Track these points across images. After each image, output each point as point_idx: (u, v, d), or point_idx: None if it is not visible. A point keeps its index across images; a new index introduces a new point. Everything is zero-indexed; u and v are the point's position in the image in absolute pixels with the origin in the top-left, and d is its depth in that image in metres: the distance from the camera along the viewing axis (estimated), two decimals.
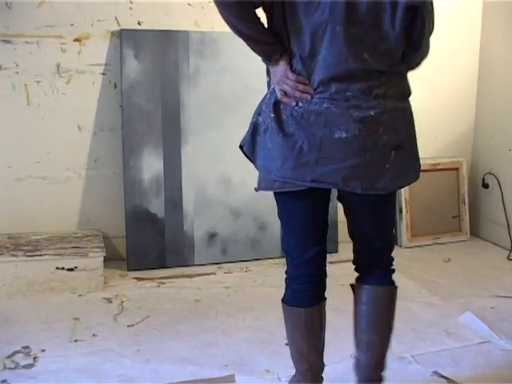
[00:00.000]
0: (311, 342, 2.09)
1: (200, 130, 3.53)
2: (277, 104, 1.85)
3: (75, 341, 2.69)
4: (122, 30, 3.42)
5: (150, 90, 3.44)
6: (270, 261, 3.66)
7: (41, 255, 3.14)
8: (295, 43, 1.80)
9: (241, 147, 2.09)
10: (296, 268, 2.08)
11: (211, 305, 3.07)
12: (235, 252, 3.63)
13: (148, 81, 3.44)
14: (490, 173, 4.12)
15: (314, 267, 2.04)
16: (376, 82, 1.81)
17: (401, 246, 4.03)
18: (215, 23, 3.55)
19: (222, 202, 3.59)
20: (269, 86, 1.99)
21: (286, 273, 2.14)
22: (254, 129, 1.97)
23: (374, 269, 2.08)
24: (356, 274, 2.14)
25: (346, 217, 2.07)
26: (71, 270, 3.17)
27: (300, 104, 1.80)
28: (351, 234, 2.09)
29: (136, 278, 3.39)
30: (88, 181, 3.55)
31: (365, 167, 1.83)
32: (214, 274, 3.48)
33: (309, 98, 1.79)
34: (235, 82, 3.56)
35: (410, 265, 3.65)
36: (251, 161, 2.07)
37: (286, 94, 1.82)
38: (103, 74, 3.49)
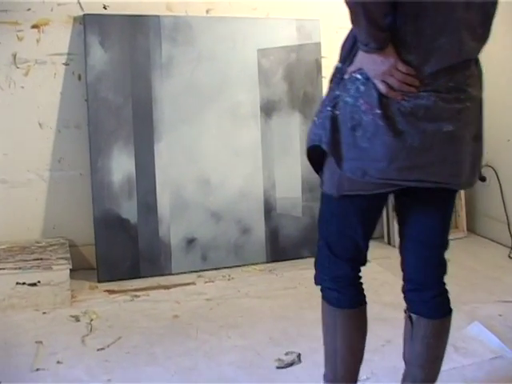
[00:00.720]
0: (351, 347, 1.90)
1: (175, 126, 3.18)
2: (381, 98, 1.55)
3: (37, 370, 2.33)
4: (85, 15, 3.06)
5: (119, 82, 3.09)
6: (254, 267, 3.33)
7: None
8: (409, 29, 1.54)
9: (311, 148, 1.73)
10: (340, 269, 1.83)
11: (191, 321, 2.73)
12: (216, 259, 3.29)
13: (116, 72, 3.08)
14: (487, 165, 3.82)
15: (359, 268, 1.86)
16: (468, 72, 1.65)
17: (393, 246, 3.72)
18: (189, 7, 3.21)
19: (200, 205, 3.25)
20: (339, 72, 1.66)
21: (321, 274, 1.89)
22: (334, 125, 1.63)
23: (433, 293, 1.83)
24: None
25: (404, 222, 1.83)
26: (33, 284, 2.81)
27: (406, 98, 1.56)
28: (407, 243, 1.83)
29: (107, 291, 3.04)
30: (52, 183, 3.19)
31: (464, 162, 1.69)
32: (193, 283, 3.15)
33: (414, 91, 1.56)
34: (212, 71, 3.22)
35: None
36: (317, 166, 1.80)
37: (390, 86, 1.55)
38: (66, 64, 3.13)
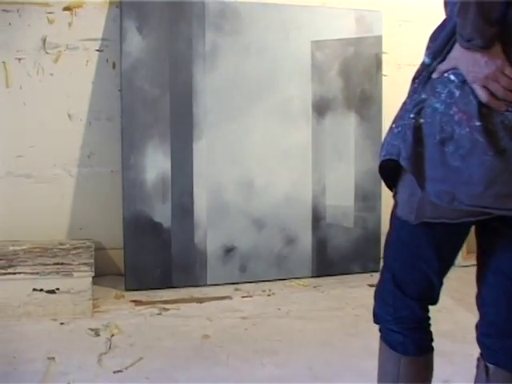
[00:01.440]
0: None
1: (217, 122, 2.84)
2: (481, 108, 1.19)
3: None
4: None
5: (157, 72, 2.76)
6: (297, 281, 2.97)
7: (15, 273, 2.49)
8: None
9: (386, 162, 1.38)
10: (406, 308, 1.49)
11: (223, 343, 2.37)
12: (256, 270, 2.94)
13: (154, 60, 2.75)
14: None
15: (428, 307, 1.53)
16: None
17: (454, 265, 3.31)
18: None
19: (241, 210, 2.90)
20: (426, 70, 1.31)
21: (383, 313, 1.55)
22: (417, 136, 1.27)
23: None
24: None
25: (485, 250, 1.44)
26: (52, 292, 2.50)
27: (510, 109, 1.24)
28: (488, 275, 1.44)
29: (134, 301, 2.72)
30: (80, 180, 2.89)
31: None
32: (229, 298, 2.80)
33: None
34: (261, 64, 2.87)
35: (465, 290, 2.93)
36: (390, 181, 1.45)
37: (492, 94, 1.22)
38: (99, 50, 2.83)
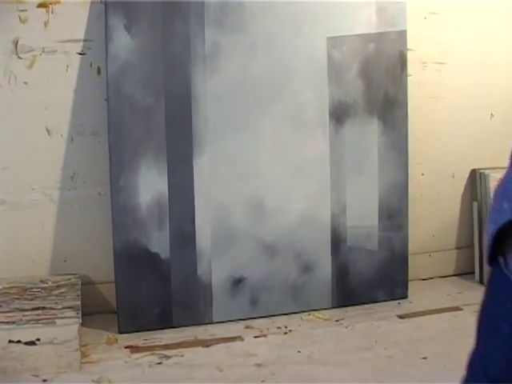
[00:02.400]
0: None
1: (220, 134, 2.38)
2: None
3: None
4: None
5: (149, 77, 2.29)
6: (316, 314, 2.51)
7: None
8: None
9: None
10: None
11: None
12: (269, 303, 2.48)
13: (145, 64, 2.29)
14: None
15: None
16: None
17: None
18: None
19: (250, 235, 2.43)
20: None
21: None
22: None
23: None
24: None
25: None
26: (31, 343, 2.03)
27: None
28: None
29: (129, 347, 2.24)
30: (63, 205, 2.42)
31: None
32: (240, 338, 2.33)
33: None
34: (270, 65, 2.40)
35: None
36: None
37: None
38: (81, 54, 2.35)
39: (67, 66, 2.32)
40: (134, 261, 2.32)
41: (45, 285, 2.29)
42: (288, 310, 2.50)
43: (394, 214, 2.58)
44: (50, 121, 2.34)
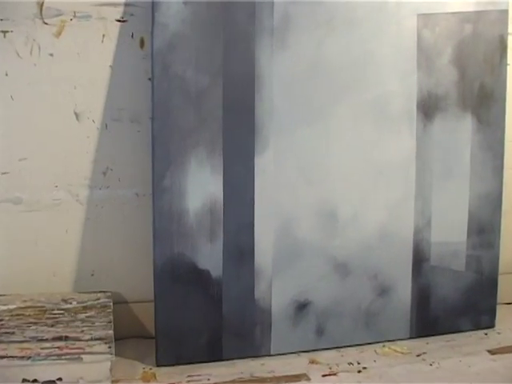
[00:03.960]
0: None
1: (288, 127, 1.81)
2: None
3: None
4: None
5: (205, 53, 1.73)
6: (393, 347, 1.96)
7: None
8: None
9: None
10: None
11: None
12: (338, 333, 1.92)
13: (201, 36, 1.73)
14: None
15: None
16: None
17: None
18: None
19: (319, 251, 1.87)
20: None
21: None
22: None
23: None
24: None
25: None
26: (51, 383, 1.52)
27: None
28: None
29: None
30: (92, 207, 1.85)
31: None
32: (305, 377, 1.76)
33: None
34: (349, 44, 1.84)
35: None
36: None
37: None
38: (121, 21, 1.77)
39: (103, 36, 1.76)
40: (178, 278, 1.76)
41: (68, 305, 1.74)
42: (359, 341, 1.94)
43: (485, 228, 2.03)
44: (80, 103, 1.77)
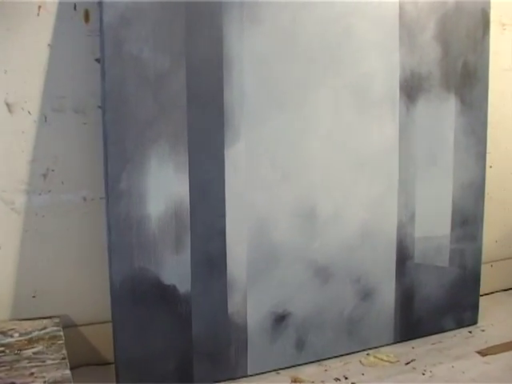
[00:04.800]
0: None
1: (261, 113, 1.53)
2: None
3: None
4: None
5: (164, 30, 1.42)
6: (378, 355, 1.73)
7: None
8: None
9: None
10: None
11: None
12: (319, 344, 1.67)
13: (160, 10, 1.41)
14: None
15: None
16: None
17: None
18: None
19: (299, 255, 1.61)
20: None
21: None
22: None
23: None
24: None
25: None
26: None
27: None
28: None
29: None
30: (31, 217, 1.50)
31: None
32: None
33: None
34: (327, 20, 1.56)
35: None
36: None
37: None
38: None
39: (39, 8, 1.40)
40: (139, 296, 1.46)
41: (9, 339, 1.39)
42: (342, 351, 1.70)
43: (469, 220, 1.83)
44: (13, 91, 1.42)
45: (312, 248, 1.61)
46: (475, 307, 1.89)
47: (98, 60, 1.43)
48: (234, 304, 1.55)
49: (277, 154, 1.55)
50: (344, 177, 1.63)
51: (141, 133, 1.42)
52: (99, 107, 1.43)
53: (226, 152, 1.49)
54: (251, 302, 1.57)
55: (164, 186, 1.45)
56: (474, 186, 1.82)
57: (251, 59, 1.49)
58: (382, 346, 1.76)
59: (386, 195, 1.69)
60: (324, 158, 1.60)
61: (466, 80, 1.77)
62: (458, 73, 1.75)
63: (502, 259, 2.12)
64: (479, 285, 1.89)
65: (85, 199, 1.53)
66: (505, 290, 2.16)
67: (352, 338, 1.71)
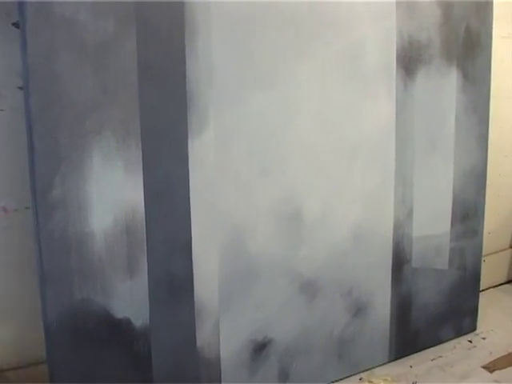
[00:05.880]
0: None
1: (234, 93, 1.16)
2: None
3: None
4: None
5: None
6: (375, 380, 1.41)
7: None
8: None
9: None
10: None
11: None
12: (306, 372, 1.36)
13: None
14: None
15: None
16: None
17: None
18: None
19: (282, 267, 1.27)
20: None
21: None
22: None
23: None
24: None
25: None
26: None
27: None
28: None
29: None
30: None
31: None
32: None
33: None
34: None
35: None
36: None
37: None
38: None
39: None
40: (83, 336, 1.11)
41: None
42: (332, 378, 1.40)
43: (469, 213, 1.54)
44: None
45: (297, 258, 1.28)
46: (474, 312, 1.62)
47: (15, 24, 1.04)
48: (203, 335, 1.21)
49: (254, 144, 1.20)
50: (334, 169, 1.30)
51: (78, 122, 1.04)
52: (20, 88, 1.05)
53: (190, 143, 1.14)
54: (224, 330, 1.23)
55: (111, 192, 1.08)
56: (475, 174, 1.52)
57: (221, 24, 1.13)
58: (376, 366, 1.46)
59: (381, 189, 1.37)
60: (310, 147, 1.27)
61: (469, 49, 1.45)
62: (460, 40, 1.44)
63: (494, 252, 1.85)
64: (479, 287, 1.61)
65: (5, 210, 1.15)
66: (496, 286, 1.91)
67: (342, 362, 1.40)
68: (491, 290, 1.88)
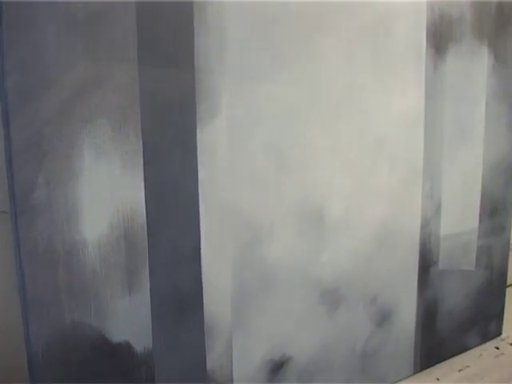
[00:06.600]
0: None
1: (250, 76, 0.96)
2: None
3: None
4: None
5: None
6: None
7: None
8: None
9: None
10: None
11: None
12: None
13: None
14: None
15: None
16: None
17: None
18: None
19: (302, 275, 1.09)
20: None
21: None
22: None
23: None
24: None
25: None
26: None
27: None
28: None
29: None
30: None
31: None
32: None
33: None
34: None
35: None
36: None
37: None
38: None
39: None
40: (75, 366, 0.92)
41: None
42: None
43: (498, 207, 1.38)
44: None
45: (318, 264, 1.10)
46: (500, 315, 1.46)
47: None
48: (214, 356, 1.02)
49: (271, 134, 1.01)
50: (359, 163, 1.12)
51: (65, 107, 0.84)
52: None
53: (198, 134, 0.94)
54: (238, 350, 1.04)
55: (106, 192, 0.88)
56: (504, 165, 1.36)
57: None
58: (401, 380, 1.29)
59: (409, 183, 1.20)
60: (333, 138, 1.08)
61: (500, 26, 1.28)
62: (493, 16, 1.26)
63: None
64: (505, 287, 1.45)
65: None
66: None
67: (366, 377, 1.23)
68: (509, 288, 1.72)
